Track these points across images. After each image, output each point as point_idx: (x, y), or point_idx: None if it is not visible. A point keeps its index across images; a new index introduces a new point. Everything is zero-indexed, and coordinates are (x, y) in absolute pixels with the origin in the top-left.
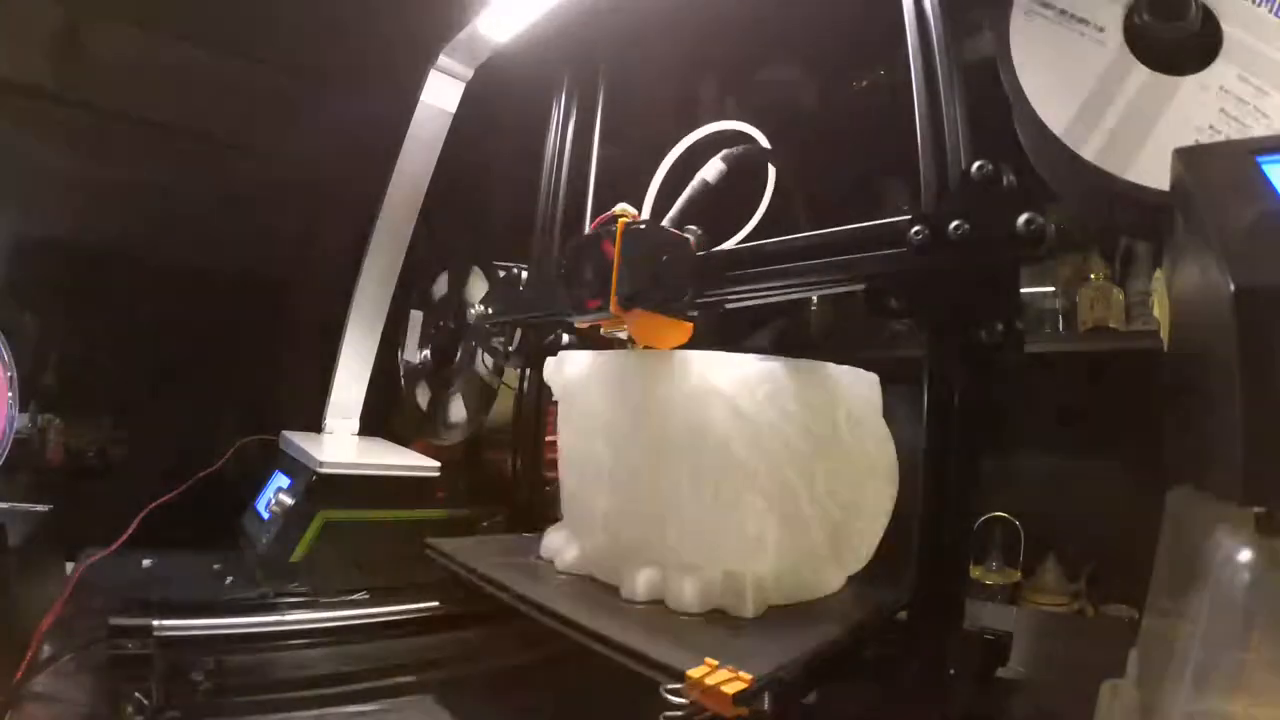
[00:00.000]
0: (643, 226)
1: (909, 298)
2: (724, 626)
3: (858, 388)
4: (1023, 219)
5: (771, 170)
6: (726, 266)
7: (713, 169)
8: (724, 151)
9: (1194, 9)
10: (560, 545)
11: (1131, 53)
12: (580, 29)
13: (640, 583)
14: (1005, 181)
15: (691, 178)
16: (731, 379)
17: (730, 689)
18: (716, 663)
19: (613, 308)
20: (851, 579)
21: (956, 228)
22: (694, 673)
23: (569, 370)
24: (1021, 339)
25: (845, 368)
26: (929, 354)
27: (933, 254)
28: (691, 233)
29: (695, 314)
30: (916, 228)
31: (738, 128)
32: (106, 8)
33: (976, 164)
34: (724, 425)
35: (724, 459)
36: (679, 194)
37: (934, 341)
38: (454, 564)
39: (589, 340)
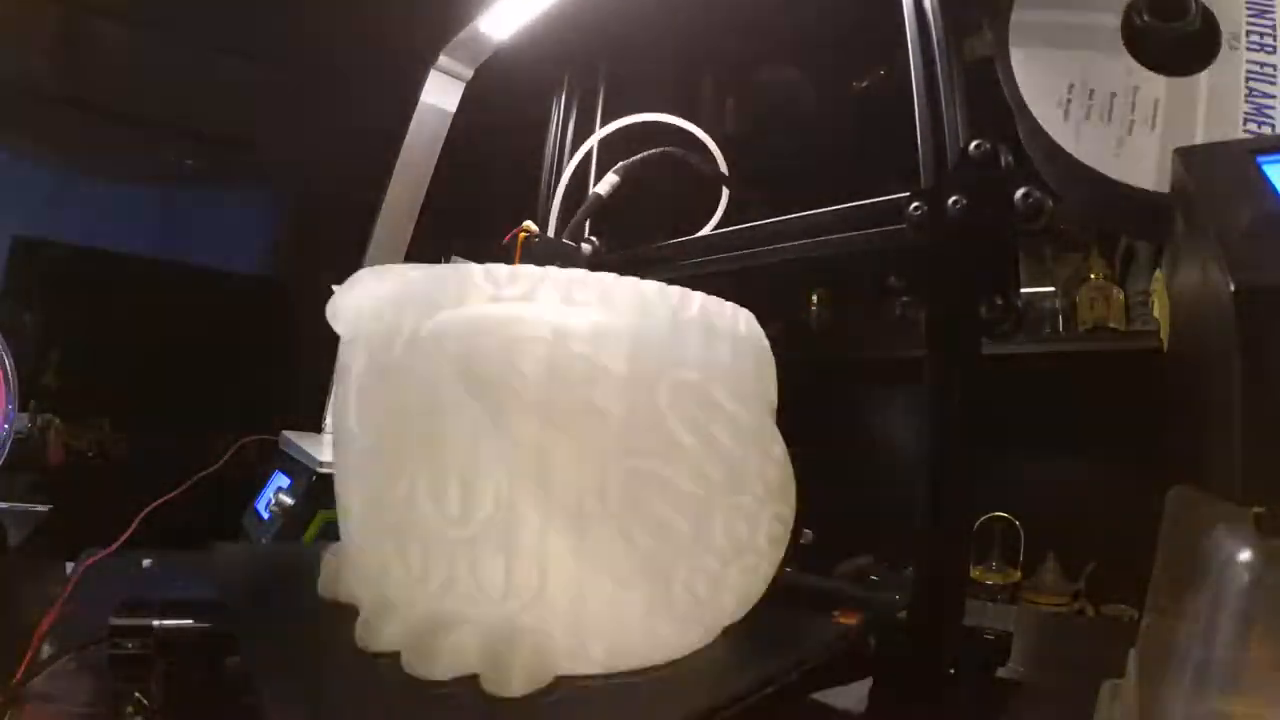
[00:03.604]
0: (536, 240)
1: (908, 274)
2: (467, 707)
3: (710, 354)
4: (1020, 193)
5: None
6: (621, 266)
7: (606, 183)
8: (618, 164)
9: (1194, 9)
10: (326, 560)
11: (1128, 51)
12: (580, 29)
13: (376, 629)
14: (1003, 160)
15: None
16: (462, 321)
17: None
18: None
19: None
20: (730, 633)
21: (955, 203)
22: None
23: (337, 315)
24: (1020, 314)
25: (693, 304)
26: (928, 332)
27: (932, 229)
28: (589, 241)
29: None
30: (915, 204)
31: (650, 119)
32: (107, 7)
33: (974, 143)
34: (458, 400)
35: (460, 450)
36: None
37: (933, 317)
38: (219, 576)
39: None
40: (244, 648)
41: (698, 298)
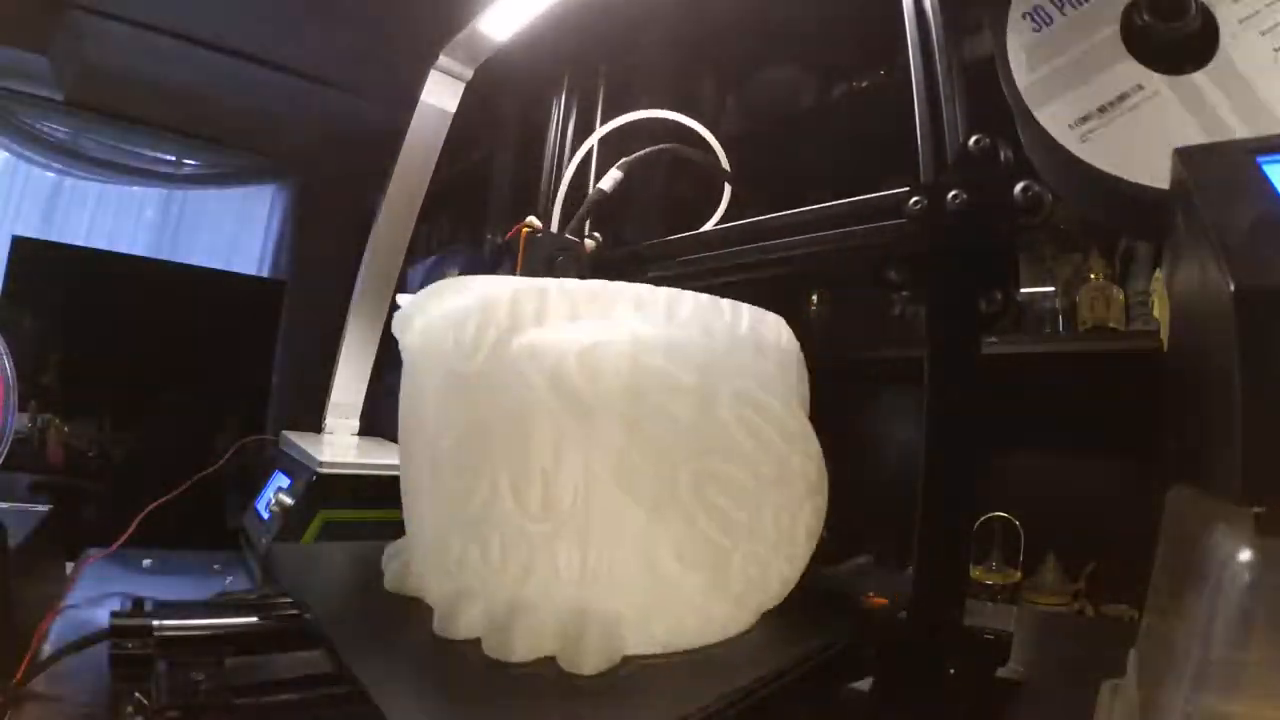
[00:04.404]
0: (539, 235)
1: (908, 269)
2: (546, 686)
3: (757, 365)
4: (1020, 187)
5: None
6: (622, 262)
7: (609, 179)
8: (621, 160)
9: (1194, 9)
10: (390, 557)
11: (1128, 50)
12: (580, 29)
13: (455, 617)
14: (1003, 155)
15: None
16: (558, 345)
17: None
18: None
19: None
20: (767, 618)
21: (955, 197)
22: None
23: (402, 331)
24: (1019, 309)
25: (744, 319)
26: (928, 326)
27: (931, 224)
28: (591, 237)
29: None
30: (915, 198)
31: (641, 117)
32: (107, 8)
33: (974, 138)
34: (550, 407)
35: (545, 452)
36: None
37: (933, 312)
38: (282, 574)
39: None
40: (334, 642)
41: (745, 311)
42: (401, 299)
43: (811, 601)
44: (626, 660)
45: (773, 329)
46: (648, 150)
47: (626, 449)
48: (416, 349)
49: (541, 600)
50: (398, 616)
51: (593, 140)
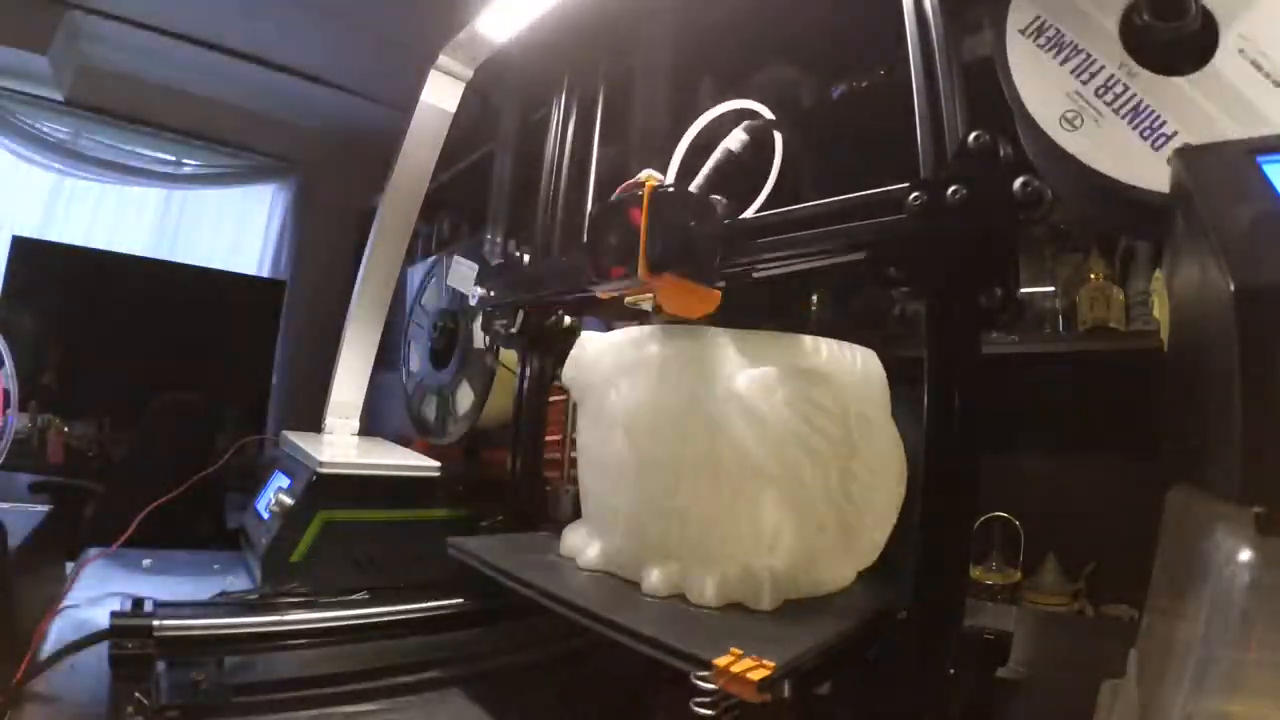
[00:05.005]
0: (670, 190)
1: (908, 264)
2: (743, 619)
3: (867, 390)
4: (1019, 182)
5: (779, 142)
6: (752, 235)
7: (736, 139)
8: (746, 123)
9: (1194, 9)
10: (581, 544)
11: (1129, 53)
12: (580, 29)
13: (660, 578)
14: (1002, 152)
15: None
16: (750, 383)
17: (755, 676)
18: (741, 652)
19: (640, 273)
20: (862, 575)
21: (954, 192)
22: (721, 661)
23: (586, 369)
24: (1020, 305)
25: (857, 357)
26: (927, 322)
27: (931, 219)
28: (716, 201)
29: (721, 283)
30: (915, 193)
31: (750, 106)
32: (107, 8)
33: (974, 134)
34: (742, 427)
35: (742, 459)
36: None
37: (933, 308)
38: (480, 563)
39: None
40: (588, 609)
41: (857, 350)
42: (587, 336)
43: (893, 564)
44: (786, 602)
45: (873, 363)
46: (768, 120)
47: (794, 455)
48: (607, 382)
49: (728, 562)
50: (611, 587)
51: (712, 114)
